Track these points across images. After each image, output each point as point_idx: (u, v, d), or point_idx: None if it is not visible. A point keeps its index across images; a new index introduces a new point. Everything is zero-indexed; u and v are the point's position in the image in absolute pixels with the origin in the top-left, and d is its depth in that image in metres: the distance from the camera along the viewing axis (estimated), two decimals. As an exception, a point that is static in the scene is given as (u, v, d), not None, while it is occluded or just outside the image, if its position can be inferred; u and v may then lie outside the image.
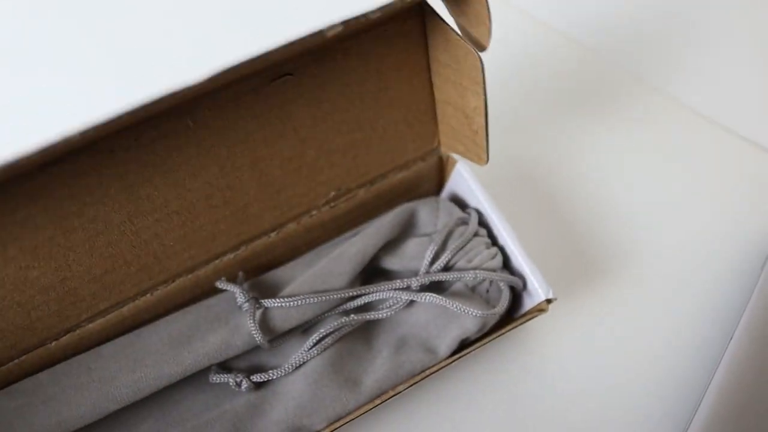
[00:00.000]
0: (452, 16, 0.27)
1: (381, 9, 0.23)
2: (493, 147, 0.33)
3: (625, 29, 0.47)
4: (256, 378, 0.29)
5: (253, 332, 0.28)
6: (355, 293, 0.30)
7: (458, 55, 0.28)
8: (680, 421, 0.32)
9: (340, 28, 0.22)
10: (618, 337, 0.34)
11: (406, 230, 0.32)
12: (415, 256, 0.31)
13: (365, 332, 0.31)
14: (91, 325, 0.28)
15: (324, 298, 0.29)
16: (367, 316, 0.30)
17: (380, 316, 0.30)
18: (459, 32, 0.27)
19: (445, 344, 0.29)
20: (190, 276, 0.30)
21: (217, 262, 0.30)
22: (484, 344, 0.29)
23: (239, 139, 0.27)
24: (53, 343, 0.28)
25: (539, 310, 0.30)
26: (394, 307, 0.30)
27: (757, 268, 0.35)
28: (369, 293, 0.30)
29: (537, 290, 0.30)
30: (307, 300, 0.29)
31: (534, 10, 0.48)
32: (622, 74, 0.44)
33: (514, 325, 0.30)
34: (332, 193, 0.31)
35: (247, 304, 0.28)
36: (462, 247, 0.31)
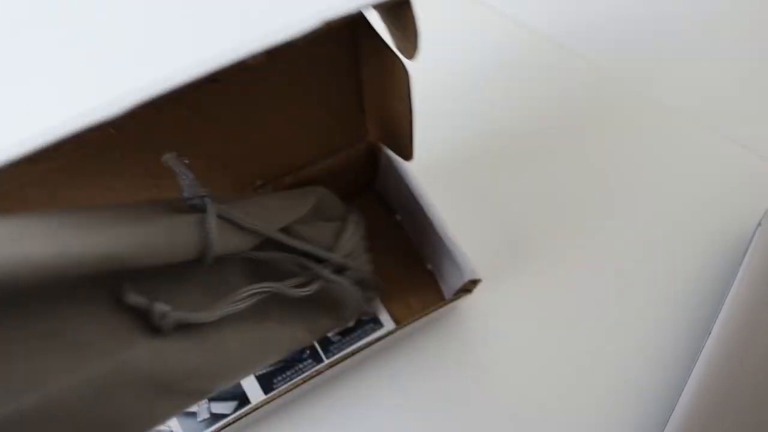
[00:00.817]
0: (383, 23, 0.27)
1: (305, 36, 0.23)
2: (426, 133, 0.33)
3: (588, 20, 0.46)
4: (182, 316, 0.23)
5: (210, 230, 0.23)
6: (290, 242, 0.28)
7: (386, 63, 0.28)
8: (647, 425, 0.32)
9: (263, 58, 0.22)
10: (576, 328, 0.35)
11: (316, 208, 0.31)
12: (320, 235, 0.30)
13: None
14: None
15: (269, 229, 0.26)
16: (294, 292, 0.28)
17: (302, 293, 0.28)
18: (388, 41, 0.27)
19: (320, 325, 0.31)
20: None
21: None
22: (417, 320, 0.30)
23: (164, 144, 0.27)
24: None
25: (465, 290, 0.31)
26: (313, 287, 0.29)
27: (736, 263, 0.34)
28: (301, 248, 0.28)
29: (462, 271, 0.30)
30: (255, 226, 0.25)
31: (499, 5, 0.46)
32: (576, 59, 0.44)
33: (443, 303, 0.31)
34: (258, 182, 0.32)
35: (202, 199, 0.23)
36: (359, 242, 0.32)
